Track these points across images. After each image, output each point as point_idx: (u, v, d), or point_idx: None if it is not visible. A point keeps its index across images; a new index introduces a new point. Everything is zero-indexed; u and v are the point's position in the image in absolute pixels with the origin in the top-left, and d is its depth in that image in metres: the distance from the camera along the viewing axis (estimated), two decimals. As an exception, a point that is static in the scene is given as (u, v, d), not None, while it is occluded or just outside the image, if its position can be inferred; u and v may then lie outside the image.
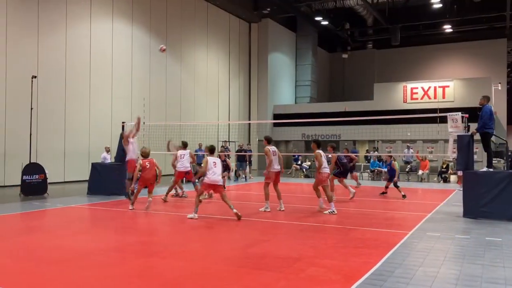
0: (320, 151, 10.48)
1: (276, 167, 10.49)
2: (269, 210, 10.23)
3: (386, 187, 14.15)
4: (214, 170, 9.30)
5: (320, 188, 10.46)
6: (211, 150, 10.06)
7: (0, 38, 15.52)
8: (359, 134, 25.07)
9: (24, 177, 12.87)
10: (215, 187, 9.56)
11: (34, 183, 13.00)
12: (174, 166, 12.45)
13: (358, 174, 19.23)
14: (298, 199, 10.88)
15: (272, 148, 10.60)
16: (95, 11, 19.05)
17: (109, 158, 16.41)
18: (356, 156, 15.71)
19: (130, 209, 10.38)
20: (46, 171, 13.37)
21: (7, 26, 15.73)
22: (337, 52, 37.36)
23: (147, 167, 10.60)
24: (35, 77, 14.09)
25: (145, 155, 10.88)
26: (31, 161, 13.50)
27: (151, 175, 10.66)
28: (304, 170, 23.64)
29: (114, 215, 9.96)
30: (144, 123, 16.33)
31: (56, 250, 6.38)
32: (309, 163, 24.02)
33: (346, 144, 26.80)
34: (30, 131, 13.64)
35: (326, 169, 10.43)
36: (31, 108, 13.67)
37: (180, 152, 12.32)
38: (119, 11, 20.15)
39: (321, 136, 27.79)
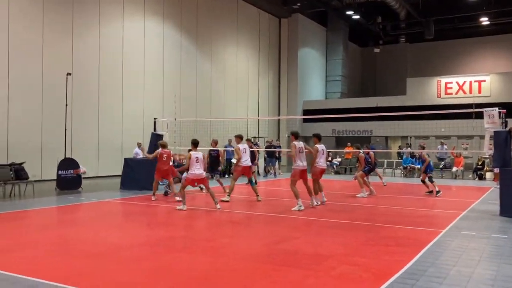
0: (318, 146, 10.55)
1: (302, 163, 10.03)
2: (302, 208, 9.71)
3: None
4: (196, 165, 9.66)
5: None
6: (194, 144, 9.98)
7: (37, 38, 16.01)
8: (391, 130, 24.60)
9: (60, 172, 13.25)
10: (199, 181, 9.96)
11: (69, 177, 13.34)
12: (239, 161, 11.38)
13: (385, 171, 18.90)
14: (328, 196, 10.77)
15: (299, 144, 10.15)
16: (128, 10, 19.38)
17: (141, 153, 16.68)
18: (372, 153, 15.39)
19: (152, 200, 11.20)
20: (84, 168, 13.72)
21: (43, 27, 16.18)
22: (368, 47, 36.70)
23: (164, 159, 10.63)
24: (70, 74, 14.46)
25: (163, 146, 10.97)
26: (66, 156, 13.88)
27: (167, 167, 10.68)
28: (334, 166, 23.40)
29: (146, 210, 10.14)
30: (175, 119, 16.56)
31: (90, 243, 6.54)
32: (339, 159, 23.78)
33: (378, 140, 26.43)
34: (65, 127, 14.01)
35: (320, 164, 10.51)
36: (66, 105, 14.05)
37: (242, 146, 11.40)
38: (150, 10, 20.43)
39: (352, 132, 27.50)
